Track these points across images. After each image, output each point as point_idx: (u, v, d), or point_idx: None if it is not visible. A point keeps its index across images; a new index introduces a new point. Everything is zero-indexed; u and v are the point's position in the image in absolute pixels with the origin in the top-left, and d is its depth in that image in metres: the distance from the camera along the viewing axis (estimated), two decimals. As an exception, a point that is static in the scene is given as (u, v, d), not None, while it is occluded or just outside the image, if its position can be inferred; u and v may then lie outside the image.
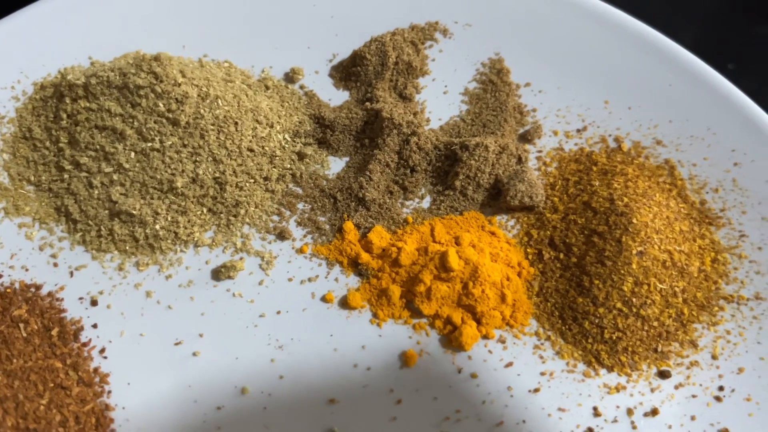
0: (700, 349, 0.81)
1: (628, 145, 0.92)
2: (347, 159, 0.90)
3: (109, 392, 0.75)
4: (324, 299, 0.82)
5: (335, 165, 0.90)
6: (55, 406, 0.72)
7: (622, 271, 0.79)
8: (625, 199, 0.83)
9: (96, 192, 0.82)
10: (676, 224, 0.83)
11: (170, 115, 0.80)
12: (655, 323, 0.80)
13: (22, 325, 0.76)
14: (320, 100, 0.94)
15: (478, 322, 0.80)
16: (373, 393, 0.77)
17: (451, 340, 0.79)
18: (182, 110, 0.80)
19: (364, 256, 0.83)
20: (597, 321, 0.80)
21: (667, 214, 0.83)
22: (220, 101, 0.83)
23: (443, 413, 0.76)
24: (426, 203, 0.88)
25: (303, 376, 0.77)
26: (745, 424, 0.77)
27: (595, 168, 0.89)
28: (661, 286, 0.80)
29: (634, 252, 0.79)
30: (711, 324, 0.82)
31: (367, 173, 0.86)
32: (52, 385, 0.73)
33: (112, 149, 0.81)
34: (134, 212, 0.80)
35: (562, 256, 0.84)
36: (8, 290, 0.78)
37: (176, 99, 0.80)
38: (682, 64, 0.95)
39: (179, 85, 0.81)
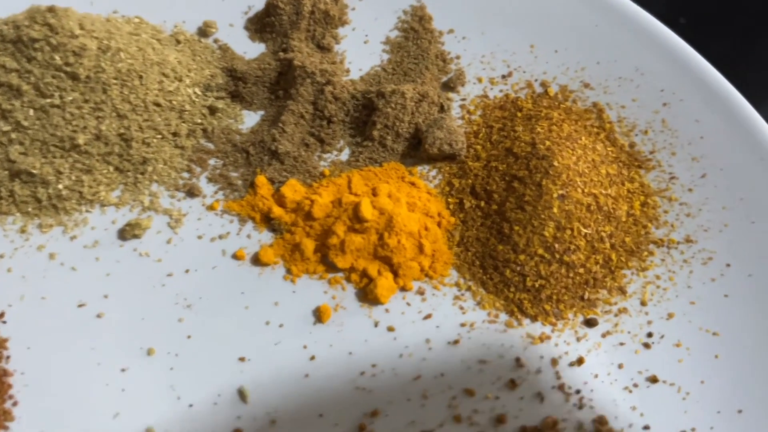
0: (629, 295, 0.78)
1: (554, 89, 0.89)
2: (262, 113, 0.87)
3: (8, 358, 0.72)
4: (235, 256, 0.79)
5: (250, 119, 0.87)
6: (-53, 372, 0.69)
7: (543, 216, 0.76)
8: (548, 143, 0.79)
9: (-6, 152, 0.79)
10: (603, 168, 0.80)
11: (69, 69, 0.77)
12: (581, 270, 0.77)
13: None
14: (234, 53, 0.91)
15: (395, 273, 0.77)
16: (286, 350, 0.74)
17: (367, 293, 0.76)
18: (81, 63, 0.77)
19: (277, 210, 0.80)
20: (518, 269, 0.77)
21: (593, 158, 0.80)
22: (122, 54, 0.79)
23: (358, 368, 0.73)
24: (345, 156, 0.85)
25: (212, 335, 0.75)
26: (674, 370, 0.75)
27: (519, 114, 0.86)
28: (585, 231, 0.77)
29: (555, 195, 0.76)
30: (640, 269, 0.79)
31: (280, 125, 0.82)
32: (-55, 350, 0.71)
33: (8, 106, 0.77)
34: (35, 171, 0.77)
35: (483, 204, 0.80)
36: None
37: (74, 52, 0.77)
38: (608, 3, 0.92)
39: (76, 37, 0.77)
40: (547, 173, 0.77)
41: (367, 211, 0.76)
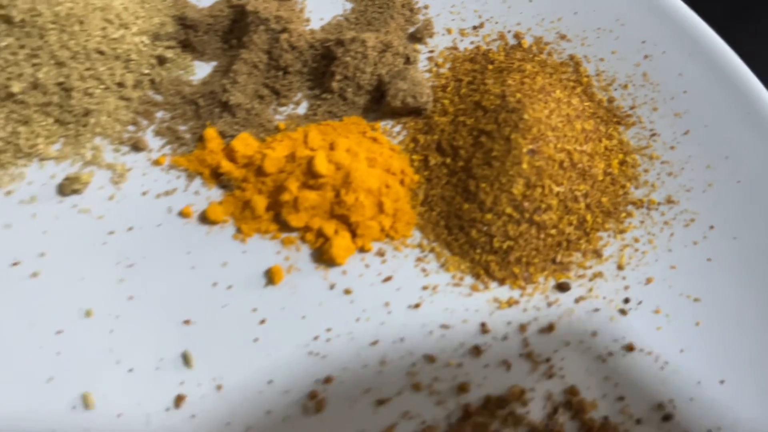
0: (605, 259, 0.75)
1: (528, 41, 0.86)
2: (214, 63, 0.84)
3: (-68, 319, 0.70)
4: (181, 214, 0.76)
5: (201, 70, 0.84)
6: None
7: (512, 172, 0.73)
8: (518, 95, 0.76)
9: None
10: (578, 123, 0.77)
11: (1, 12, 0.74)
12: (553, 231, 0.74)
13: None
14: (185, 1, 0.87)
15: (353, 233, 0.74)
16: (234, 313, 0.71)
17: (323, 253, 0.73)
18: (14, 5, 0.74)
19: (226, 165, 0.76)
20: (485, 229, 0.74)
21: (568, 112, 0.77)
22: (61, -4, 0.77)
23: (312, 332, 0.71)
24: (302, 110, 0.82)
25: (155, 296, 0.72)
26: (652, 338, 0.72)
27: (491, 67, 0.83)
28: (558, 189, 0.74)
29: (525, 150, 0.73)
30: (618, 231, 0.76)
31: (232, 75, 0.79)
32: None
33: (-63, 51, 0.75)
34: (-34, 121, 0.74)
35: (449, 160, 0.77)
36: None
37: (6, -7, 0.74)
38: (586, -51, 0.89)
39: (9, -23, 0.75)
40: (517, 127, 0.74)
41: (321, 165, 0.73)
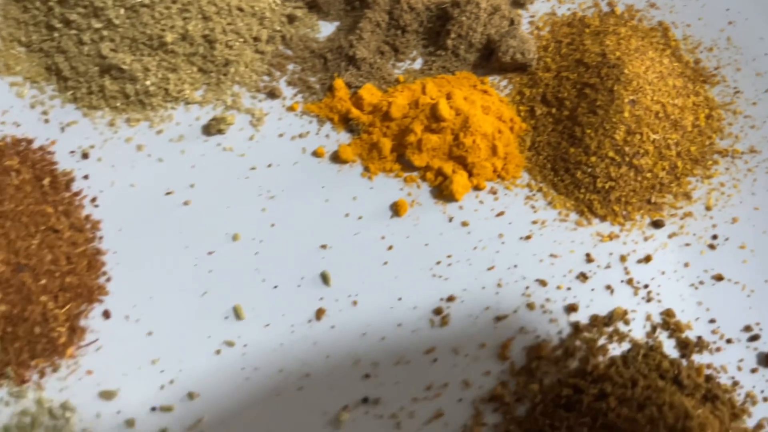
0: (694, 200, 0.83)
1: (621, 8, 0.94)
2: (337, 23, 0.93)
3: (101, 238, 0.78)
4: (315, 153, 0.84)
5: (325, 29, 0.93)
6: (46, 246, 0.74)
7: (614, 119, 0.81)
8: (617, 53, 0.84)
9: (86, 48, 0.84)
10: (670, 79, 0.85)
11: (158, -30, 0.83)
12: (648, 174, 0.82)
13: (13, 174, 0.78)
14: (312, -35, 0.96)
15: (470, 173, 0.82)
16: (365, 240, 0.79)
17: (442, 189, 0.81)
18: (170, -35, 0.83)
19: (355, 112, 0.85)
20: (589, 170, 0.82)
21: (660, 69, 0.85)
22: (209, -41, 0.85)
23: (434, 258, 0.79)
24: (418, 65, 0.91)
25: (294, 223, 0.80)
26: (739, 270, 0.79)
27: (587, 30, 0.91)
28: (654, 136, 0.82)
29: (626, 100, 0.81)
30: (705, 177, 0.84)
31: (358, 32, 0.88)
32: (43, 227, 0.75)
33: (100, 4, 0.83)
34: (125, 67, 0.82)
35: (554, 110, 0.86)
36: (1, 143, 0.81)
37: (163, -46, 0.83)
38: None
39: (166, -60, 0.83)
40: (618, 80, 0.82)
41: (444, 110, 0.81)
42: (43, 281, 0.72)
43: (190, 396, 0.70)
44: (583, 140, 0.82)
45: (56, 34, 0.85)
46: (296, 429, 0.69)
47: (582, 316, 0.76)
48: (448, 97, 0.83)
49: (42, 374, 0.71)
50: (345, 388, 0.71)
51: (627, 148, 0.81)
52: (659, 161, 0.82)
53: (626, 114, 0.81)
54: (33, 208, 0.76)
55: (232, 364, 0.72)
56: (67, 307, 0.73)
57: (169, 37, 0.83)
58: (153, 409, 0.70)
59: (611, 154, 0.81)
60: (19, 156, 0.80)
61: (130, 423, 0.69)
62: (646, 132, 0.81)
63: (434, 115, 0.81)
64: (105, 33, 0.83)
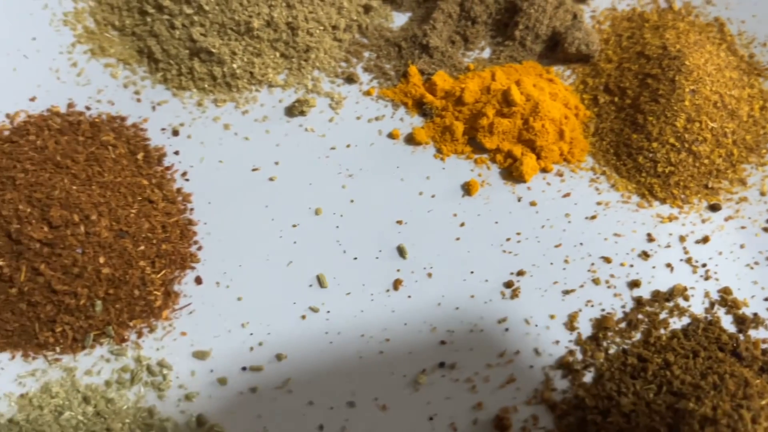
0: (749, 186, 0.87)
1: (678, 4, 0.99)
2: (409, 14, 0.98)
3: (192, 209, 0.83)
4: (390, 135, 0.89)
5: (398, 20, 0.98)
6: (143, 216, 0.79)
7: (675, 108, 0.85)
8: (678, 46, 0.89)
9: (177, 33, 0.89)
10: (726, 72, 0.89)
11: (245, -41, 0.88)
12: (706, 161, 0.86)
13: (110, 148, 0.83)
14: (387, -39, 1.01)
15: (538, 156, 0.86)
16: (438, 216, 0.84)
17: (512, 171, 0.86)
18: (258, -45, 0.88)
19: (429, 97, 0.89)
20: (651, 155, 0.86)
21: (718, 62, 0.89)
22: (291, -49, 0.90)
23: (504, 235, 0.83)
24: (486, 54, 0.95)
25: (372, 200, 0.84)
26: (793, 251, 0.84)
27: (647, 24, 0.95)
28: (712, 125, 0.86)
29: (687, 90, 0.86)
30: (759, 164, 0.88)
31: (431, 21, 0.92)
32: (140, 198, 0.80)
33: (192, -9, 0.89)
34: (213, 50, 0.87)
35: (616, 99, 0.90)
36: (96, 119, 0.86)
37: (251, -56, 0.88)
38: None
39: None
40: (680, 70, 0.86)
41: (516, 95, 0.85)
42: (142, 247, 0.77)
43: (278, 357, 0.74)
44: (645, 127, 0.86)
45: (149, 19, 0.90)
46: (377, 390, 0.73)
47: (644, 292, 0.80)
48: (518, 83, 0.87)
49: (140, 334, 0.75)
50: (422, 353, 0.76)
51: (687, 135, 0.85)
52: (716, 148, 0.86)
53: (687, 103, 0.85)
54: (130, 180, 0.81)
55: (316, 328, 0.77)
56: (163, 272, 0.77)
57: (256, 23, 0.87)
58: (243, 369, 0.74)
59: (672, 140, 0.85)
60: (114, 132, 0.85)
61: (222, 381, 0.73)
62: (704, 120, 0.85)
63: (506, 100, 0.85)
64: (196, 18, 0.88)
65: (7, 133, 0.84)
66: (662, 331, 0.78)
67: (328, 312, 0.78)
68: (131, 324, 0.75)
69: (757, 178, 0.87)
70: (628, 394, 0.73)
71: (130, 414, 0.71)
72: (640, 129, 0.86)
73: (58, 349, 0.74)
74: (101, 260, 0.73)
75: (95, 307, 0.73)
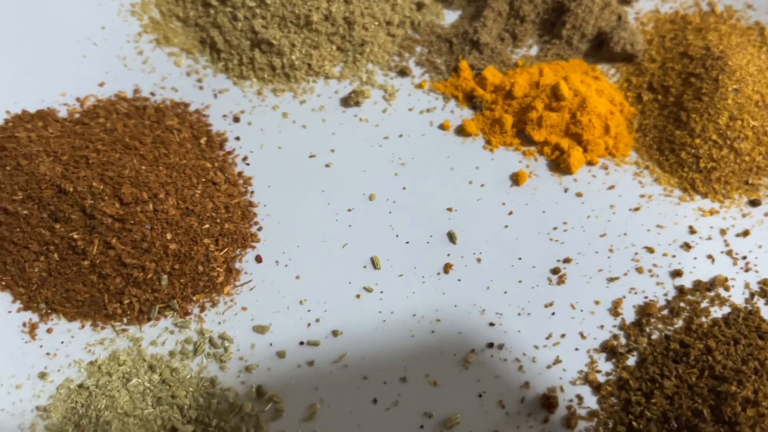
0: (788, 183, 0.89)
1: (720, 8, 1.01)
2: (459, 12, 1.00)
3: (252, 192, 0.85)
4: (441, 126, 0.91)
5: (448, 17, 1.01)
6: (207, 196, 0.82)
7: (719, 106, 0.88)
8: (720, 47, 0.91)
9: (239, 24, 0.92)
10: (767, 73, 0.91)
11: (308, -45, 0.92)
12: (747, 158, 0.88)
13: (175, 132, 0.86)
14: (438, -40, 1.04)
15: (584, 149, 0.88)
16: (486, 205, 0.86)
17: (559, 163, 0.88)
18: (321, -49, 0.91)
19: (479, 90, 0.92)
20: (693, 151, 0.88)
21: (759, 63, 0.91)
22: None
23: (551, 224, 0.85)
24: (533, 52, 0.98)
25: (423, 187, 0.87)
26: (831, 245, 0.86)
27: (689, 26, 0.97)
28: (753, 123, 0.88)
29: (730, 89, 0.88)
30: (798, 163, 0.90)
31: (482, 19, 0.95)
32: (204, 180, 0.83)
33: (253, -9, 0.92)
34: (274, 42, 0.90)
35: (660, 97, 0.92)
36: (161, 105, 0.90)
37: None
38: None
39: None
40: (723, 70, 0.89)
41: (564, 90, 0.87)
42: (206, 226, 0.79)
43: (334, 333, 0.77)
44: (688, 124, 0.88)
45: (212, 11, 0.93)
46: (428, 367, 0.75)
47: (686, 281, 0.81)
48: (566, 79, 0.90)
49: (202, 308, 0.78)
50: (472, 334, 0.78)
51: (729, 133, 0.87)
52: (757, 146, 0.88)
53: (730, 101, 0.87)
54: (194, 162, 0.84)
55: (370, 307, 0.79)
56: (225, 250, 0.80)
57: (315, 17, 0.91)
58: (301, 343, 0.77)
59: (714, 137, 0.87)
60: (178, 117, 0.88)
61: (281, 354, 0.76)
62: (746, 119, 0.87)
63: (554, 95, 0.88)
64: (257, 11, 0.91)
65: (77, 115, 0.87)
66: (703, 319, 0.80)
67: (382, 292, 0.80)
68: (194, 298, 0.78)
69: (795, 176, 0.89)
70: (671, 377, 0.75)
71: (194, 383, 0.74)
72: (683, 126, 0.89)
73: (125, 320, 0.77)
74: (168, 236, 0.77)
75: (161, 281, 0.76)
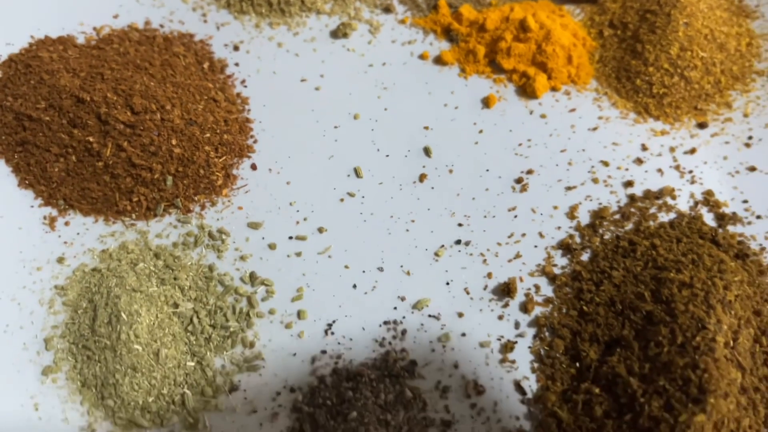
0: (734, 109, 0.96)
1: (678, -45, 1.10)
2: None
3: (249, 110, 0.94)
4: (421, 56, 1.00)
5: (431, -38, 1.10)
6: (209, 110, 0.90)
7: (670, 37, 0.96)
8: (674, -14, 1.00)
9: (240, -37, 1.02)
10: (717, 11, 0.99)
11: None
12: (696, 86, 0.96)
13: (181, 57, 0.95)
14: None
15: (549, 76, 0.97)
16: (459, 124, 0.94)
17: (525, 88, 0.96)
18: None
19: (456, 25, 1.01)
20: (647, 79, 0.96)
21: (710, 2, 1.00)
22: None
23: (517, 141, 0.93)
24: (506, -6, 1.07)
25: (403, 108, 0.95)
26: (769, 163, 0.94)
27: (647, -29, 1.07)
28: (702, 54, 0.96)
29: (681, 23, 0.96)
30: (744, 91, 0.97)
31: (459, -38, 1.04)
32: (206, 97, 0.91)
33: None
34: (271, -20, 1.00)
35: (619, 32, 1.00)
36: (169, 35, 0.98)
37: None
38: None
39: None
40: (675, 6, 0.97)
41: (531, 23, 0.96)
42: (207, 135, 0.88)
43: (320, 230, 0.85)
44: (643, 54, 0.96)
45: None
46: (403, 258, 0.83)
47: (637, 191, 0.89)
48: (533, 15, 0.99)
49: (203, 207, 0.86)
50: (442, 232, 0.86)
51: (680, 62, 0.95)
52: (706, 75, 0.96)
53: (680, 33, 0.95)
54: (198, 82, 0.93)
55: (353, 209, 0.87)
56: (224, 157, 0.89)
57: (307, -42, 1.00)
58: (290, 237, 0.85)
59: (666, 65, 0.95)
60: (184, 45, 0.97)
61: (272, 246, 0.84)
62: (696, 50, 0.96)
63: (522, 27, 0.96)
64: (257, -47, 1.01)
65: (94, 42, 0.96)
66: (651, 222, 0.88)
67: (363, 197, 0.88)
68: (196, 198, 0.87)
69: (740, 103, 0.97)
70: (619, 269, 0.83)
71: (194, 269, 0.82)
72: (639, 56, 0.97)
73: (134, 215, 0.85)
74: (173, 142, 0.85)
75: (167, 182, 0.85)
